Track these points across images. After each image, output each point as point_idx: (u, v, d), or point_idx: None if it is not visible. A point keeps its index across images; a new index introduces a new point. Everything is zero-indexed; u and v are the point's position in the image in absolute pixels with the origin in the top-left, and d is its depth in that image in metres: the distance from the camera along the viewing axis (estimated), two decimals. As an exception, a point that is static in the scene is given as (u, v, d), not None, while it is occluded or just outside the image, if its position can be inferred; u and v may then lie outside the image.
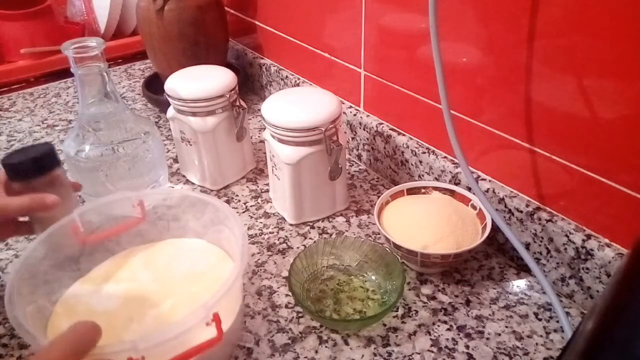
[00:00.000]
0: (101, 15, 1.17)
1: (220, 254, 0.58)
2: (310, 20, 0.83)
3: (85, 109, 0.65)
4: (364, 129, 0.78)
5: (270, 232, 0.68)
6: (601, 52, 0.47)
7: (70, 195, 0.57)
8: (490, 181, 0.62)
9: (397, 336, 0.53)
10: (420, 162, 0.70)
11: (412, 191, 0.66)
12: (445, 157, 0.67)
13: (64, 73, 1.06)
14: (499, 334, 0.53)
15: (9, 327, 0.56)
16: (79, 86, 0.64)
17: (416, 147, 0.70)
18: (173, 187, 0.77)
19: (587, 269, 0.53)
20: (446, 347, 0.52)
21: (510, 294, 0.58)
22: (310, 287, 0.58)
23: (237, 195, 0.75)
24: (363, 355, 0.51)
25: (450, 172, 0.66)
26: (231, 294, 0.45)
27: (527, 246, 0.59)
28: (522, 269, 0.60)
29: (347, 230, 0.68)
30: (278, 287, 0.59)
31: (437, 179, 0.68)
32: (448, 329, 0.54)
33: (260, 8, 0.96)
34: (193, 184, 0.78)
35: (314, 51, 0.84)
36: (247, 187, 0.77)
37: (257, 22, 0.98)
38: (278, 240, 0.67)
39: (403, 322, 0.55)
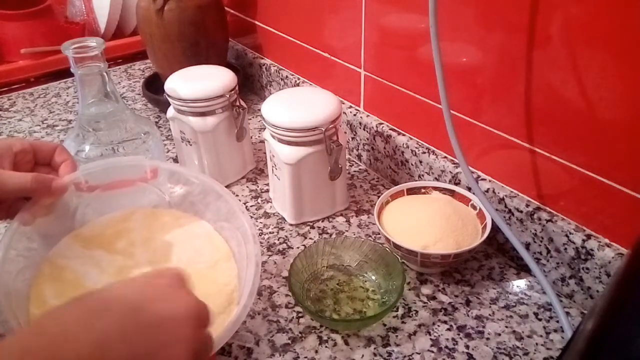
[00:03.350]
0: (101, 15, 1.17)
1: (224, 250, 0.55)
2: (310, 20, 0.83)
3: (85, 109, 0.65)
4: (364, 129, 0.78)
5: (270, 232, 0.68)
6: (601, 52, 0.47)
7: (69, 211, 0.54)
8: (490, 181, 0.62)
9: (397, 336, 0.53)
10: (420, 162, 0.70)
11: (412, 191, 0.65)
12: (445, 157, 0.67)
13: (64, 73, 1.05)
14: (499, 334, 0.53)
15: None
16: (79, 86, 0.64)
17: (416, 147, 0.70)
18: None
19: (587, 269, 0.53)
20: (446, 347, 0.52)
21: (510, 294, 0.58)
22: (310, 287, 0.58)
23: (237, 196, 0.75)
24: (363, 355, 0.51)
25: (450, 172, 0.66)
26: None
27: (527, 246, 0.59)
28: (522, 269, 0.60)
29: (347, 230, 0.68)
30: (278, 287, 0.59)
31: (437, 179, 0.68)
32: (448, 329, 0.54)
33: (260, 8, 0.96)
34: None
35: (314, 51, 0.84)
36: (247, 187, 0.77)
37: (257, 22, 0.98)
38: (278, 240, 0.67)
39: (403, 322, 0.55)
